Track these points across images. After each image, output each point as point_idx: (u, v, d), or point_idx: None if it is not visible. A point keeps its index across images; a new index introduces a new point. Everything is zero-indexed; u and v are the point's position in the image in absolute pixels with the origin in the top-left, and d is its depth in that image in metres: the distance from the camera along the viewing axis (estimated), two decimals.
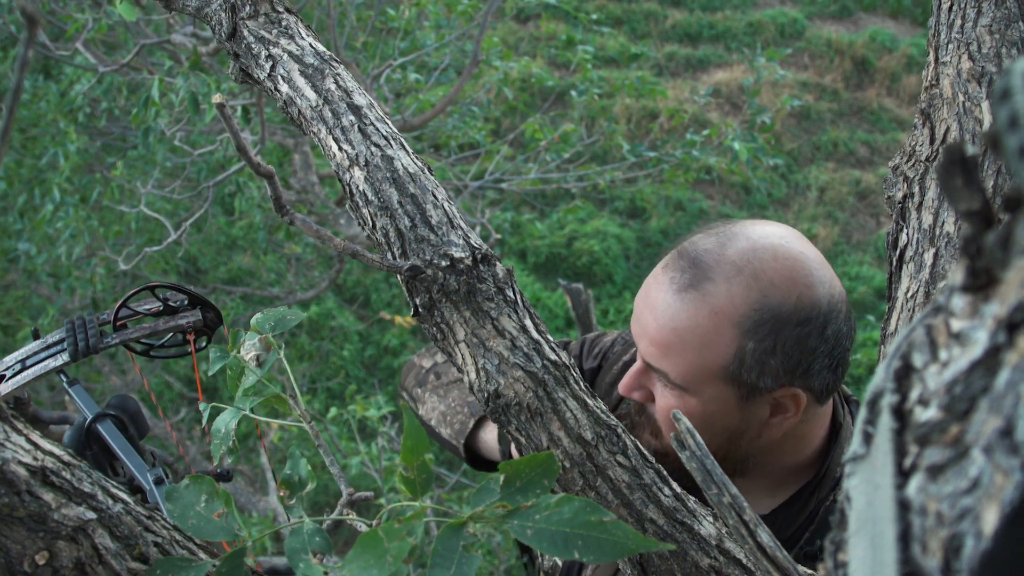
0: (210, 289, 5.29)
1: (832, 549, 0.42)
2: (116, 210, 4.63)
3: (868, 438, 0.38)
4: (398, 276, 0.85)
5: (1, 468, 0.72)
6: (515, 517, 0.63)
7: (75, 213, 4.34)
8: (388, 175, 0.87)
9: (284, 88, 0.93)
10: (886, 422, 0.37)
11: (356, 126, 0.89)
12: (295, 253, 5.47)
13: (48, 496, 0.74)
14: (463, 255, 0.84)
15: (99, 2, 3.66)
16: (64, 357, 1.07)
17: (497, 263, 0.86)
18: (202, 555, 0.85)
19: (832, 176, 7.89)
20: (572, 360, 0.87)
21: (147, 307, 1.12)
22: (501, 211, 6.20)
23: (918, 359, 0.36)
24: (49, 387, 4.46)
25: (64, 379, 1.11)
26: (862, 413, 0.40)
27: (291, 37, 0.96)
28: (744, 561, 0.82)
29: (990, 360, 0.32)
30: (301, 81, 0.93)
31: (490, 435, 1.26)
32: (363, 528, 0.82)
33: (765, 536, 0.70)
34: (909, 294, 1.10)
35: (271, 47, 0.95)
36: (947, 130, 1.12)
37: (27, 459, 0.74)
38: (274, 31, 0.96)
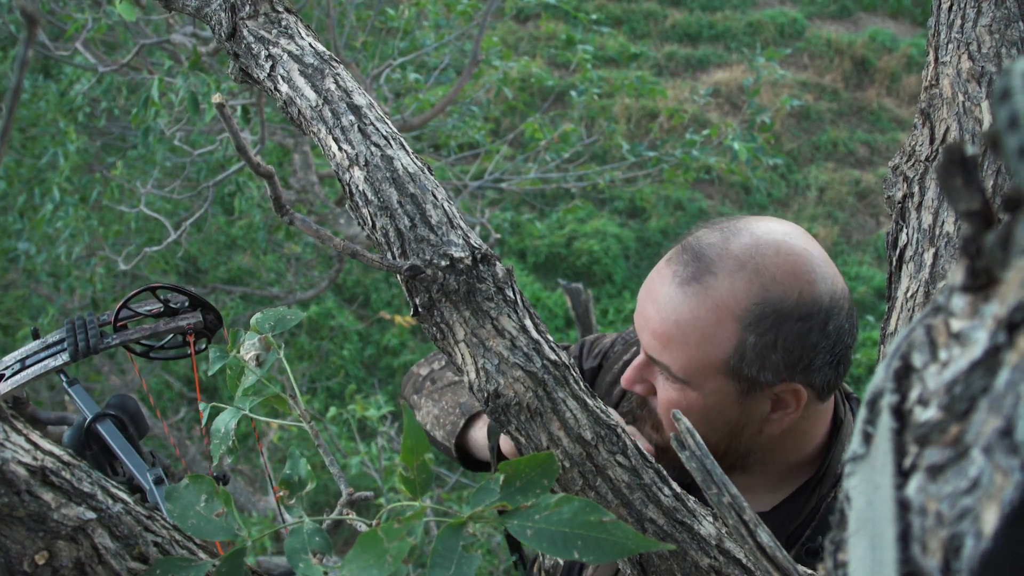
0: (210, 289, 5.29)
1: (832, 549, 0.42)
2: (116, 210, 4.63)
3: (868, 438, 0.38)
4: (398, 276, 0.85)
5: (1, 468, 0.72)
6: (515, 517, 0.63)
7: (75, 213, 4.34)
8: (388, 175, 0.87)
9: (284, 88, 0.93)
10: (886, 422, 0.37)
11: (356, 126, 0.89)
12: (295, 253, 5.47)
13: (48, 496, 0.74)
14: (463, 255, 0.84)
15: (99, 2, 3.66)
16: (64, 357, 1.07)
17: (497, 263, 0.86)
18: (202, 555, 0.85)
19: (832, 176, 7.89)
20: (572, 360, 0.87)
21: (148, 308, 1.12)
22: (501, 211, 6.21)
23: (918, 359, 0.36)
24: (49, 387, 4.46)
25: (64, 379, 1.11)
26: (862, 413, 0.40)
27: (291, 37, 0.96)
28: (744, 561, 0.82)
29: (990, 360, 0.32)
30: (301, 81, 0.93)
31: (479, 433, 1.26)
32: (363, 528, 0.82)
33: (765, 536, 0.70)
34: (909, 294, 1.10)
35: (271, 47, 0.95)
36: (947, 130, 1.12)
37: (27, 459, 0.74)
38: (274, 31, 0.96)
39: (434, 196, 0.87)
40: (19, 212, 4.68)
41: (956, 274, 0.36)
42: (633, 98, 7.69)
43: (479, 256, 0.84)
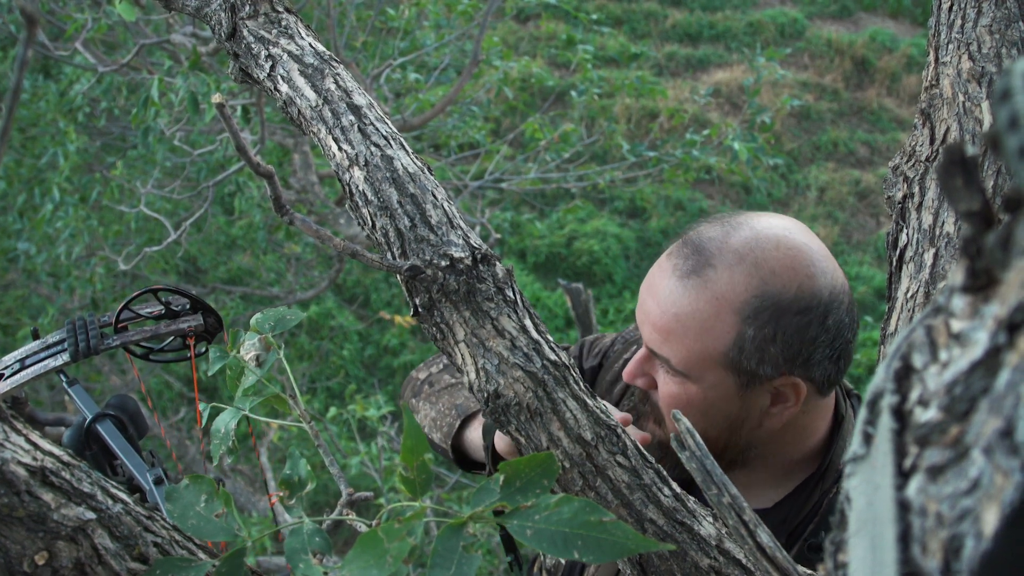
0: (210, 289, 5.30)
1: (832, 550, 0.41)
2: (116, 210, 4.63)
3: (868, 439, 0.38)
4: (398, 276, 0.85)
5: (1, 468, 0.72)
6: (515, 517, 0.63)
7: (75, 213, 4.34)
8: (388, 175, 0.87)
9: (284, 88, 0.93)
10: (886, 423, 0.37)
11: (356, 126, 0.89)
12: (295, 253, 5.47)
13: (48, 496, 0.74)
14: (463, 255, 0.84)
15: (98, 2, 3.66)
16: (64, 357, 1.07)
17: (497, 263, 0.86)
18: (202, 555, 0.85)
19: (832, 176, 7.89)
20: (572, 361, 0.87)
21: (149, 310, 1.12)
22: (501, 211, 6.21)
23: (918, 360, 0.36)
24: (49, 387, 4.46)
25: (64, 379, 1.11)
26: (862, 414, 0.40)
27: (291, 37, 0.96)
28: (744, 561, 0.82)
29: (990, 361, 0.32)
30: (301, 81, 0.92)
31: (475, 433, 1.27)
32: (363, 528, 0.82)
33: (765, 536, 0.70)
34: (909, 294, 1.10)
35: (271, 47, 0.95)
36: (947, 130, 1.12)
37: (27, 459, 0.74)
38: (274, 31, 0.96)
39: (434, 196, 0.87)
40: (19, 212, 4.68)
41: (956, 275, 0.36)
42: (633, 98, 7.69)
43: (479, 256, 0.84)
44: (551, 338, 0.86)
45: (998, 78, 1.11)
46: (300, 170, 4.34)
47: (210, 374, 0.88)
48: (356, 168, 0.88)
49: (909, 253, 1.12)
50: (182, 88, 3.16)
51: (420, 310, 0.85)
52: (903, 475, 0.35)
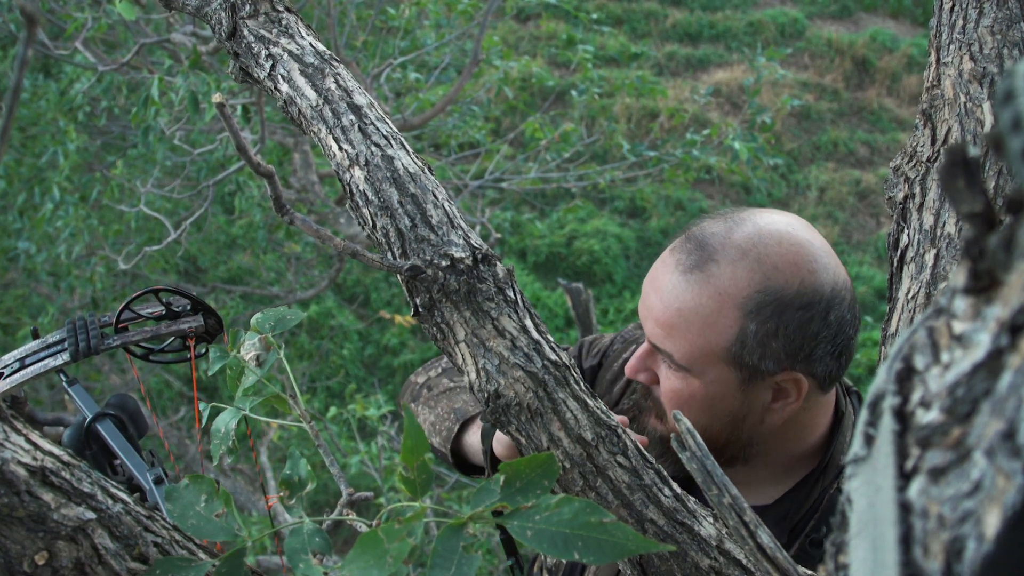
0: (210, 288, 5.30)
1: (833, 551, 0.41)
2: (116, 209, 4.63)
3: (869, 440, 0.38)
4: (398, 276, 0.85)
5: (1, 468, 0.72)
6: (515, 518, 0.63)
7: (75, 212, 4.34)
8: (388, 175, 0.87)
9: (284, 87, 0.93)
10: (887, 424, 0.37)
11: (356, 125, 0.89)
12: (295, 252, 5.47)
13: (48, 496, 0.74)
14: (463, 255, 0.83)
15: (99, 1, 3.66)
16: (64, 357, 1.06)
17: (497, 263, 0.86)
18: (202, 555, 0.84)
19: (832, 176, 7.89)
20: (572, 361, 0.87)
21: (149, 310, 1.12)
22: (501, 210, 6.20)
23: (920, 361, 0.36)
24: (49, 386, 4.46)
25: (64, 378, 1.11)
26: (863, 415, 0.39)
27: (291, 36, 0.96)
28: (744, 562, 0.82)
29: (992, 363, 0.32)
30: (301, 80, 0.92)
31: (473, 437, 1.27)
32: (363, 528, 0.82)
33: (765, 537, 0.70)
34: (910, 295, 1.10)
35: (271, 46, 0.95)
36: (948, 131, 1.12)
37: (27, 459, 0.74)
38: (274, 30, 0.96)
39: (435, 196, 0.87)
40: (19, 211, 4.68)
41: (958, 276, 0.36)
42: (633, 98, 7.69)
43: (480, 256, 0.84)
44: (551, 338, 0.86)
45: (999, 79, 1.11)
46: (300, 169, 4.34)
47: (210, 374, 0.88)
48: (357, 168, 0.87)
49: (910, 254, 1.12)
50: (182, 87, 3.16)
51: (420, 310, 0.85)
52: (905, 477, 0.34)
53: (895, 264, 1.15)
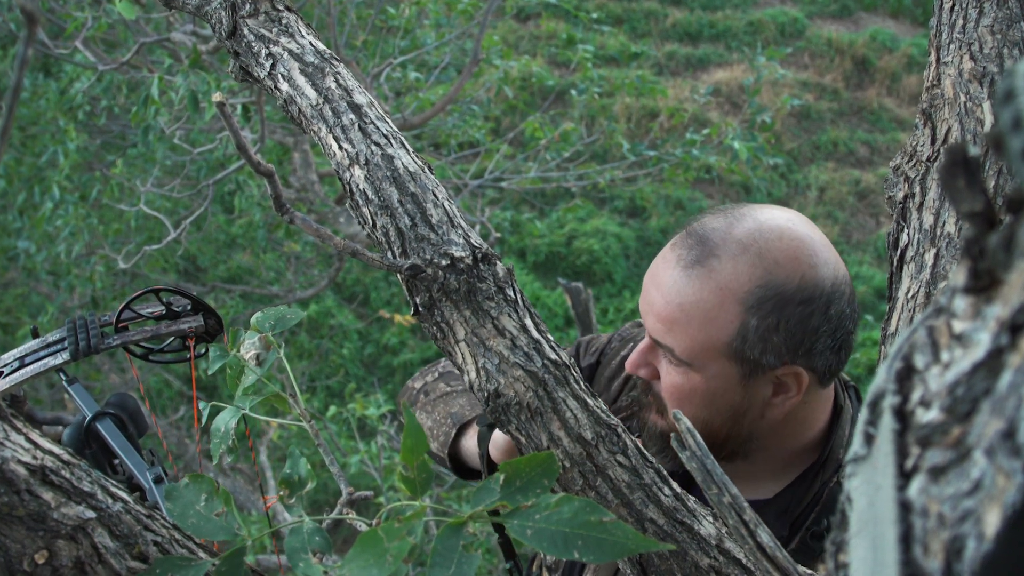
0: (209, 287, 5.30)
1: (833, 550, 0.41)
2: (116, 208, 4.63)
3: (869, 439, 0.38)
4: (398, 275, 0.85)
5: (1, 467, 0.72)
6: (515, 517, 0.63)
7: (75, 211, 4.34)
8: (388, 174, 0.87)
9: (284, 86, 0.93)
10: (887, 423, 0.37)
11: (356, 125, 0.89)
12: (295, 251, 5.47)
13: (47, 495, 0.74)
14: (463, 254, 0.83)
15: (99, 0, 3.66)
16: (64, 356, 1.06)
17: (497, 262, 0.86)
18: (202, 554, 0.84)
19: (832, 176, 7.89)
20: (572, 360, 0.87)
21: (150, 310, 1.12)
22: (501, 210, 6.20)
23: (920, 360, 0.36)
24: (48, 385, 4.46)
25: (63, 377, 1.11)
26: (863, 414, 0.39)
27: (291, 35, 0.96)
28: (744, 561, 0.82)
29: (992, 362, 0.32)
30: (301, 79, 0.92)
31: (470, 441, 1.27)
32: (363, 527, 0.82)
33: (765, 536, 0.70)
34: (910, 294, 1.10)
35: (271, 45, 0.95)
36: (948, 130, 1.12)
37: (26, 458, 0.74)
38: (274, 29, 0.96)
39: (434, 195, 0.87)
40: (19, 210, 4.68)
41: (958, 275, 0.36)
42: (633, 97, 7.69)
43: (479, 255, 0.84)
44: (551, 337, 0.86)
45: (999, 78, 1.11)
46: (300, 169, 4.34)
47: (210, 373, 0.88)
48: (357, 167, 0.87)
49: (910, 253, 1.12)
50: (182, 86, 3.16)
51: (420, 309, 0.85)
52: (905, 476, 0.34)
53: (895, 263, 1.15)
